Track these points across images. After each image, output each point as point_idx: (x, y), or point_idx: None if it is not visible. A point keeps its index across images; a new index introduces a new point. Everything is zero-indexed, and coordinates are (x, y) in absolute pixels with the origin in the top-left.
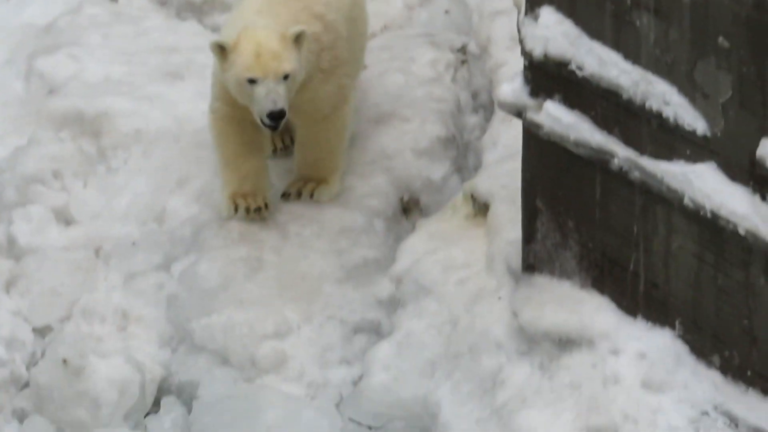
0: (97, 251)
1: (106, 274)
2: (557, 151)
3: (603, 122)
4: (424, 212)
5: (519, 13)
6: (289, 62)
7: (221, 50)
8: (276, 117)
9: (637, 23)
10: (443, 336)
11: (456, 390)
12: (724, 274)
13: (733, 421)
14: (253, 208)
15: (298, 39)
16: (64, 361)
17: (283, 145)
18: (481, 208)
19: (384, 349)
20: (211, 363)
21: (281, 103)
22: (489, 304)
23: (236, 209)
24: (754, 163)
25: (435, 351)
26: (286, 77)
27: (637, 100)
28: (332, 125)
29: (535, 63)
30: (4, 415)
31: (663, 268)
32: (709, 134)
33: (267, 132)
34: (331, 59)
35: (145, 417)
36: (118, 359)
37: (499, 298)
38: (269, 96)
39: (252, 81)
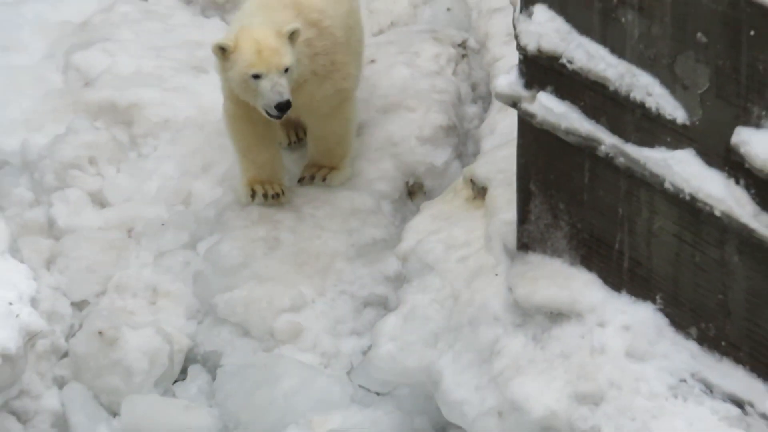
0: (129, 231)
1: (138, 253)
2: (549, 139)
3: (591, 112)
4: (428, 195)
5: (514, 10)
6: (288, 56)
7: (222, 52)
8: (282, 108)
9: (623, 20)
10: (445, 309)
11: (457, 359)
12: (702, 253)
13: (708, 387)
14: (270, 195)
15: (292, 36)
16: (100, 332)
17: (297, 138)
18: (479, 191)
19: (391, 322)
20: (233, 334)
21: (286, 95)
22: (487, 280)
23: (254, 196)
24: (729, 149)
25: (438, 323)
26: (286, 70)
27: (623, 91)
28: (337, 121)
29: (529, 57)
30: (45, 382)
31: (645, 246)
32: (688, 123)
33: (278, 124)
34: (325, 64)
35: (173, 384)
36: (148, 331)
37: (496, 274)
38: (275, 88)
39: (256, 76)
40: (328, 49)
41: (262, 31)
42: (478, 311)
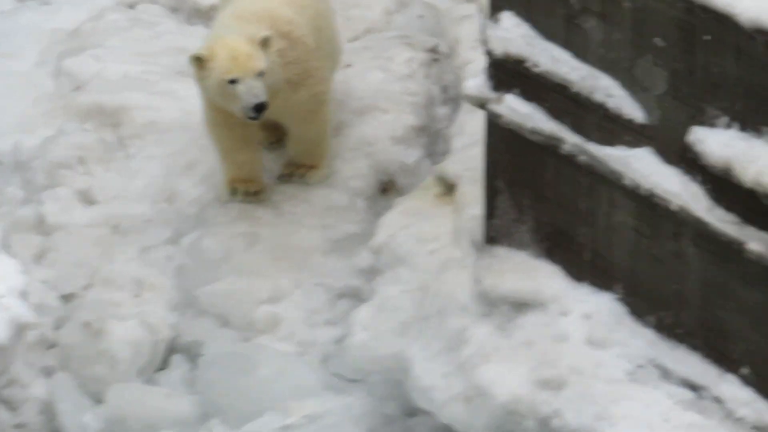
0: (115, 227)
1: (124, 248)
2: (515, 138)
3: (555, 112)
4: (400, 192)
5: (483, 17)
6: (261, 61)
7: (199, 62)
8: (260, 109)
9: (585, 26)
10: (415, 300)
11: (426, 347)
12: (659, 245)
13: (664, 372)
14: (250, 192)
15: (264, 43)
16: (87, 324)
17: (276, 139)
18: (449, 188)
19: (364, 312)
20: (214, 325)
21: (262, 96)
22: (455, 272)
23: (235, 193)
24: (685, 147)
25: (408, 313)
26: (261, 74)
27: (585, 93)
28: (313, 123)
29: (496, 61)
30: (34, 372)
31: (606, 239)
32: (646, 123)
33: (258, 126)
34: (299, 72)
35: (156, 372)
36: (133, 322)
37: (464, 266)
38: (251, 91)
39: (233, 81)
40: (300, 58)
41: (235, 39)
42: (447, 302)
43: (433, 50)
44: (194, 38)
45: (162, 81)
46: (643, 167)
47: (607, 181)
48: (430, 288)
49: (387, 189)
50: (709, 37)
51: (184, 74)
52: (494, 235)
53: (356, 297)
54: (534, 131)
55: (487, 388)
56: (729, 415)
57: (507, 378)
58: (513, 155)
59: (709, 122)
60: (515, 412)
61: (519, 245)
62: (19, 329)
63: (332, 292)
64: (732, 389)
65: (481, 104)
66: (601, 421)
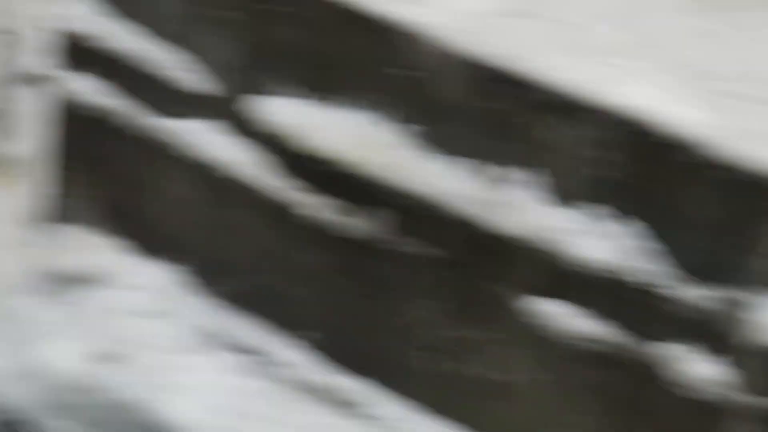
0: None
1: None
2: (82, 117)
3: (122, 88)
4: None
5: None
6: None
7: None
8: None
9: (159, 2)
10: None
11: None
12: (219, 215)
13: (228, 341)
14: None
15: None
16: None
17: None
18: (17, 167)
19: None
20: None
21: None
22: (17, 251)
23: None
24: (245, 117)
25: None
26: None
27: (152, 67)
28: None
29: (65, 39)
30: None
31: (170, 213)
32: (210, 94)
33: None
34: None
35: None
36: None
37: (27, 246)
38: None
39: None
40: None
41: None
42: (3, 281)
43: (3, 31)
44: None
45: None
46: (206, 138)
47: (170, 155)
48: None
49: None
50: (269, 6)
51: None
52: (61, 214)
53: None
54: (99, 108)
55: (43, 365)
56: (294, 379)
57: (63, 353)
58: (79, 134)
59: (271, 91)
60: (72, 388)
61: (87, 223)
62: None
63: None
64: (296, 354)
65: (49, 84)
66: (161, 392)
